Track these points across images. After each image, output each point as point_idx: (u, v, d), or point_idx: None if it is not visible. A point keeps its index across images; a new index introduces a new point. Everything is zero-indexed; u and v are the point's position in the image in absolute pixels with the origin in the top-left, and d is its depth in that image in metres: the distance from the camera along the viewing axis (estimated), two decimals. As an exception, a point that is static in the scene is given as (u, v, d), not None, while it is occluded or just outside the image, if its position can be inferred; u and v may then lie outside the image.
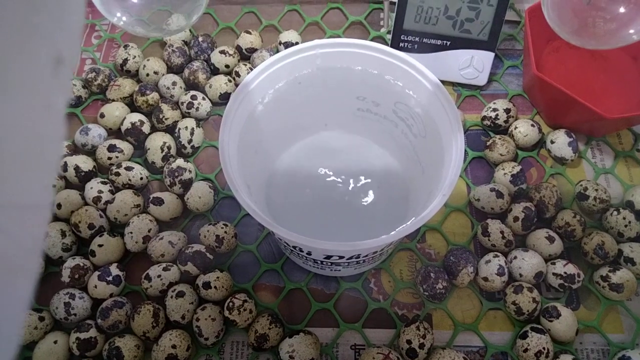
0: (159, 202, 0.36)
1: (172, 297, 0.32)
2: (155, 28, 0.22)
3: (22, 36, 0.10)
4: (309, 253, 0.29)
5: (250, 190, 0.29)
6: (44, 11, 0.10)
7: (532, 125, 0.38)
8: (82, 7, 0.12)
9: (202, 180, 0.38)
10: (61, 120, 0.12)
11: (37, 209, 0.11)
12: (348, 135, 0.37)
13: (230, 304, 0.32)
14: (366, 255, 0.29)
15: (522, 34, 0.44)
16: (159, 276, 0.33)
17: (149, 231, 0.35)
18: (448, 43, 0.41)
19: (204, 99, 0.40)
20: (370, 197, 0.35)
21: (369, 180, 0.35)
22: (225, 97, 0.40)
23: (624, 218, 0.34)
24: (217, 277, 0.33)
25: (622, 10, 0.20)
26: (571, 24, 0.21)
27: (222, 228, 0.35)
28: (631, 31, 0.20)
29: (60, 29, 0.11)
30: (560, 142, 0.37)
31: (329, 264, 0.30)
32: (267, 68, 0.30)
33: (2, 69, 0.10)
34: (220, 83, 0.40)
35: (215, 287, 0.33)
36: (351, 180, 0.35)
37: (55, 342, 0.32)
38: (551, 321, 0.31)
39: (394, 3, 0.42)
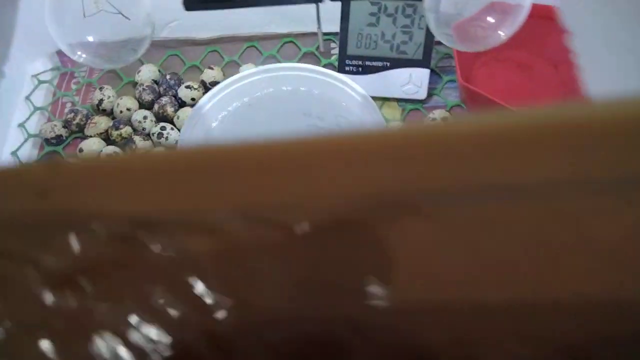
0: (133, 222, 0.39)
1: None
2: (109, 60, 0.27)
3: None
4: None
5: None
6: None
7: (467, 130, 0.42)
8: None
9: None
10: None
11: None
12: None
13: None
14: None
15: (458, 52, 0.49)
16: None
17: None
18: (388, 64, 0.45)
19: (172, 129, 0.44)
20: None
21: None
22: (191, 126, 0.45)
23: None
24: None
25: (490, 19, 0.24)
26: (455, 35, 0.26)
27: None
28: (500, 32, 0.24)
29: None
30: (493, 143, 0.42)
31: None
32: (218, 92, 0.34)
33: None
34: (186, 114, 0.45)
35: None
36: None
37: None
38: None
39: (331, 33, 0.47)
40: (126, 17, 0.24)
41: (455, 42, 0.26)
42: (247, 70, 0.35)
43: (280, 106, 0.37)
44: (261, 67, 0.35)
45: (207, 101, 0.34)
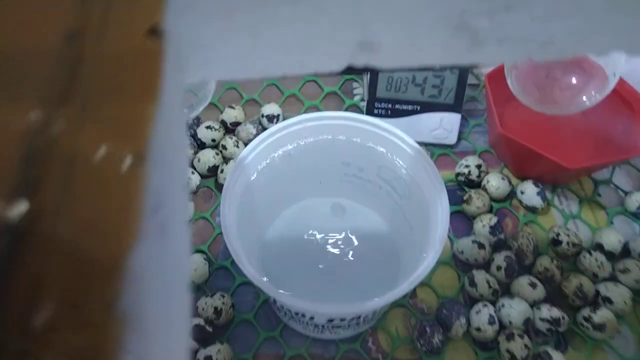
0: (154, 277, 0.36)
1: (173, 374, 0.32)
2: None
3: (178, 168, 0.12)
4: (311, 318, 0.30)
5: (249, 259, 0.30)
6: (178, 151, 0.12)
7: (503, 179, 0.41)
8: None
9: (195, 252, 0.38)
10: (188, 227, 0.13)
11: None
12: (336, 200, 0.39)
13: (234, 376, 0.32)
14: (366, 316, 0.30)
15: (482, 95, 0.49)
16: (158, 353, 0.33)
17: (145, 308, 0.35)
18: (418, 107, 0.44)
19: (193, 173, 0.42)
20: (362, 257, 0.36)
21: (360, 241, 0.37)
22: (213, 170, 0.42)
23: (596, 260, 0.37)
24: (218, 350, 0.33)
25: (574, 80, 0.23)
26: (533, 94, 0.24)
27: (219, 299, 0.35)
28: (584, 98, 0.23)
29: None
30: (529, 193, 0.41)
31: (330, 327, 0.31)
32: (260, 143, 0.32)
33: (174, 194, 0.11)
34: (208, 157, 0.42)
35: (216, 360, 0.33)
36: (342, 243, 0.37)
37: None
38: (544, 365, 0.33)
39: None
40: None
41: (533, 103, 0.24)
42: (289, 119, 0.33)
43: (318, 155, 0.35)
44: (302, 116, 0.33)
45: (249, 152, 0.31)
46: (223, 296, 0.35)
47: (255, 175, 0.33)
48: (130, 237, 0.08)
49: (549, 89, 0.24)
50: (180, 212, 0.12)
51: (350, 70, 0.14)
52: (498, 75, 0.41)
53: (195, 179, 0.42)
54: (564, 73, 0.23)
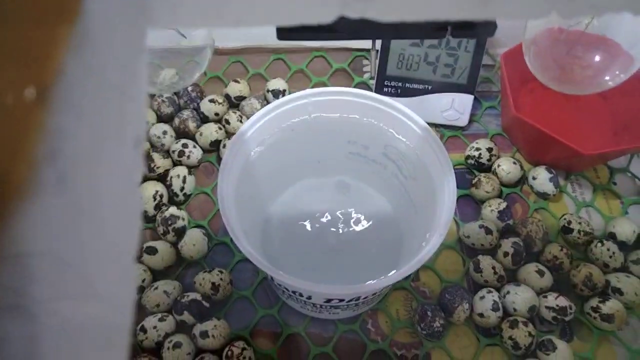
0: (153, 251, 0.35)
1: (168, 348, 0.32)
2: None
3: (116, 122, 0.11)
4: (308, 297, 0.29)
5: (247, 236, 0.29)
6: (131, 102, 0.11)
7: (514, 163, 0.40)
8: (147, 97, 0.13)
9: (195, 227, 0.38)
10: (138, 190, 0.12)
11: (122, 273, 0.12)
12: (340, 178, 0.38)
13: (229, 352, 0.32)
14: (365, 297, 0.29)
15: (497, 76, 0.47)
16: (154, 327, 0.33)
17: (143, 281, 0.35)
18: (429, 87, 0.43)
19: (194, 146, 0.41)
20: (364, 238, 0.36)
21: (363, 222, 0.36)
22: (215, 145, 0.41)
23: (608, 249, 0.36)
24: (215, 326, 0.33)
25: (597, 58, 0.22)
26: (552, 72, 0.23)
27: (217, 275, 0.34)
28: (607, 78, 0.21)
29: (138, 116, 0.12)
30: (541, 178, 0.39)
31: (328, 307, 0.30)
32: (262, 117, 0.31)
33: (100, 149, 0.10)
34: (210, 131, 0.41)
35: (212, 336, 0.32)
36: (344, 223, 0.36)
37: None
38: (547, 354, 0.32)
39: (363, 49, 0.44)
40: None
41: (551, 81, 0.23)
42: (293, 94, 0.31)
43: (323, 132, 0.34)
44: (308, 91, 0.32)
45: (250, 126, 0.30)
46: (221, 272, 0.35)
47: (256, 150, 0.32)
48: (17, 185, 0.07)
49: (569, 66, 0.22)
50: (108, 171, 0.11)
51: (343, 24, 0.13)
52: (515, 56, 0.40)
53: (197, 153, 0.41)
54: (587, 50, 0.22)
